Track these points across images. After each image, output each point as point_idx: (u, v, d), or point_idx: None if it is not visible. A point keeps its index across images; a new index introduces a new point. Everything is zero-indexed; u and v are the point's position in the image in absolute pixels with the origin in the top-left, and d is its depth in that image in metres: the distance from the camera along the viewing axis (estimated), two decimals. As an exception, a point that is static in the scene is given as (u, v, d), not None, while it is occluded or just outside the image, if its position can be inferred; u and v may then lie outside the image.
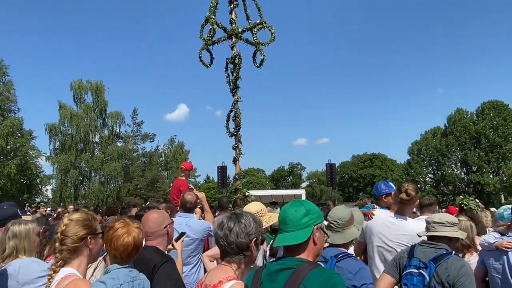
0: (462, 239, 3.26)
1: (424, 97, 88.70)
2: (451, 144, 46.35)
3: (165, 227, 2.83)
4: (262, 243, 2.18)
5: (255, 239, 2.06)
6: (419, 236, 3.16)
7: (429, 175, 50.28)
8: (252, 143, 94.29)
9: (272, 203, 15.22)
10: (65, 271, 2.13)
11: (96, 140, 41.68)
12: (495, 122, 44.13)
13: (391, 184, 4.28)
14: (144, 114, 61.15)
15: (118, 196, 38.96)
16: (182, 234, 3.89)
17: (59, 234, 2.18)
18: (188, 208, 4.94)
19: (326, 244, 3.07)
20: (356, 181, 57.49)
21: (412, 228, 3.45)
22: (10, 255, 2.85)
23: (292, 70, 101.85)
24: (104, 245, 2.24)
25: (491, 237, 3.73)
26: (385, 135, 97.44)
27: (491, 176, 44.27)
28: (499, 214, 4.21)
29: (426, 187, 47.75)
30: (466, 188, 45.36)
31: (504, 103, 44.93)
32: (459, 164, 47.75)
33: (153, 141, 47.56)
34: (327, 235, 2.13)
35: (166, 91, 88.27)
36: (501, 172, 44.21)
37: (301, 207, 1.98)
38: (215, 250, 4.18)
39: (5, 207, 4.31)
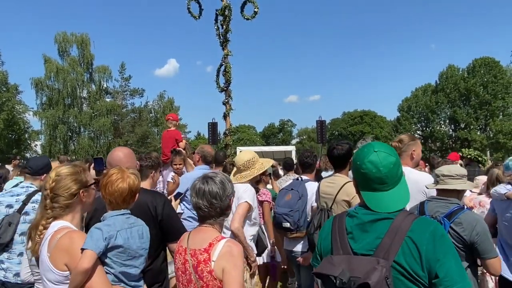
0: (471, 191, 3.27)
1: (417, 53, 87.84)
2: (441, 101, 46.49)
3: (137, 164, 2.81)
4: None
5: (231, 197, 2.14)
6: (427, 188, 3.14)
7: (418, 132, 50.83)
8: (243, 100, 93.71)
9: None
10: (57, 224, 2.03)
11: (84, 95, 40.94)
12: (485, 79, 44.10)
13: None
14: (132, 69, 60.28)
15: (109, 152, 38.82)
16: (179, 195, 3.87)
17: (48, 191, 2.04)
18: (209, 161, 5.10)
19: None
20: (346, 138, 57.74)
21: (412, 177, 3.30)
22: None
23: (285, 27, 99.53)
24: (101, 192, 2.18)
25: (502, 188, 3.91)
26: (377, 92, 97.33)
27: (478, 133, 44.89)
28: (506, 164, 4.36)
29: (414, 144, 48.30)
30: (454, 145, 46.08)
31: (495, 60, 44.70)
32: (447, 121, 48.20)
33: (142, 96, 46.98)
34: None
35: (155, 45, 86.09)
36: (488, 129, 44.83)
37: (393, 158, 1.73)
38: None
39: (38, 156, 4.40)
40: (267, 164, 3.91)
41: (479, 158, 10.25)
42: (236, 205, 3.60)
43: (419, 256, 1.54)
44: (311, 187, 4.15)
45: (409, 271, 1.54)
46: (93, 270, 1.90)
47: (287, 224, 4.04)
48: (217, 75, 12.75)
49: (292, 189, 4.23)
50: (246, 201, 3.62)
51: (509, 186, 3.84)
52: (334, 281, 1.54)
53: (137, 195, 2.21)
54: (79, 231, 2.31)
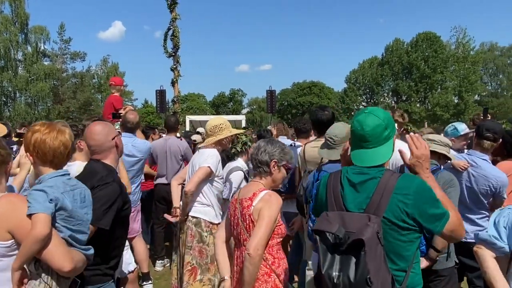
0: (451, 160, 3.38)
1: (366, 26, 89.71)
2: (386, 73, 48.25)
3: (113, 138, 2.52)
4: (287, 170, 2.59)
5: (275, 160, 2.51)
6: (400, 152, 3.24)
7: (363, 104, 52.65)
8: (193, 68, 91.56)
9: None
10: None
11: (19, 58, 38.03)
12: (426, 54, 46.16)
13: None
14: (73, 31, 56.32)
15: (48, 118, 36.78)
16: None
17: None
18: (130, 128, 4.70)
19: (326, 160, 3.15)
20: (295, 108, 58.57)
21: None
22: None
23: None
24: (30, 154, 1.90)
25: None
26: (327, 64, 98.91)
27: (418, 105, 47.32)
28: (445, 131, 4.58)
29: (359, 115, 50.17)
30: (395, 116, 48.34)
31: (436, 35, 46.72)
32: (391, 93, 50.28)
33: (84, 60, 44.24)
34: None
35: (99, 5, 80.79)
36: (427, 101, 47.37)
37: (379, 120, 1.83)
38: (182, 174, 4.26)
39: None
40: (234, 132, 4.07)
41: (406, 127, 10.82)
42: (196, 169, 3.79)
43: (406, 210, 1.70)
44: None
45: (398, 223, 1.71)
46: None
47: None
48: (165, 40, 12.31)
49: None
50: (208, 166, 3.72)
51: (454, 152, 3.95)
52: (329, 237, 1.67)
53: (71, 151, 2.00)
54: (17, 193, 2.10)
